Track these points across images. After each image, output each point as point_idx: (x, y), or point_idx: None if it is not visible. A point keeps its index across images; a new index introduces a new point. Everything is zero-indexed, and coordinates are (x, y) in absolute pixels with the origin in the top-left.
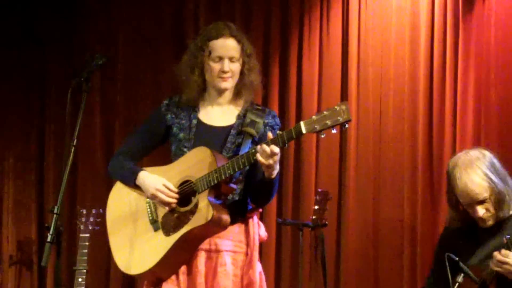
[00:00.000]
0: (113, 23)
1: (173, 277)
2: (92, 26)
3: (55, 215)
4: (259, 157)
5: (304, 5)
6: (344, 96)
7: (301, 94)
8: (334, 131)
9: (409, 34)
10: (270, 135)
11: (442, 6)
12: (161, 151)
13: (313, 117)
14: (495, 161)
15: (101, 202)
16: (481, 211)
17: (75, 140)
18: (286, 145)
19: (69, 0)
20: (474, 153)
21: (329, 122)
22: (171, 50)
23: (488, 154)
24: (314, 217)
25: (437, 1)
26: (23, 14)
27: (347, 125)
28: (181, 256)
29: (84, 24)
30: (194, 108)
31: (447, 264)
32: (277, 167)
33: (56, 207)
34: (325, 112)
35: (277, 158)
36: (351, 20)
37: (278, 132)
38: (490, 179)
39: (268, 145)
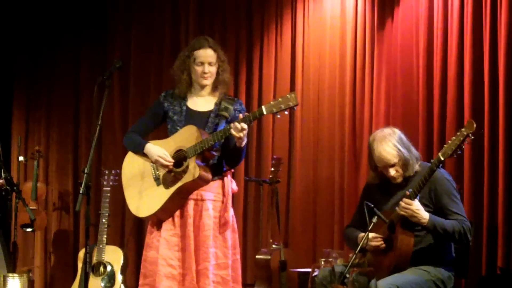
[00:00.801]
0: (128, 36)
1: (170, 219)
2: (113, 38)
3: (85, 174)
4: (232, 131)
5: (263, 25)
6: (292, 89)
7: (261, 87)
8: (286, 112)
9: (339, 45)
10: (240, 116)
11: (362, 25)
12: (160, 130)
13: (271, 102)
14: (402, 136)
15: (119, 165)
16: (392, 171)
17: (100, 120)
18: (251, 123)
19: (100, 20)
20: (387, 130)
21: (282, 106)
22: (169, 55)
23: (397, 131)
24: (271, 176)
25: (359, 21)
26: (71, 30)
27: (295, 108)
28: (176, 203)
29: (108, 37)
30: (184, 98)
31: (365, 209)
32: (245, 139)
33: (86, 168)
34: (279, 99)
35: (245, 132)
36: (297, 36)
37: (245, 113)
38: (398, 149)
39: (239, 122)
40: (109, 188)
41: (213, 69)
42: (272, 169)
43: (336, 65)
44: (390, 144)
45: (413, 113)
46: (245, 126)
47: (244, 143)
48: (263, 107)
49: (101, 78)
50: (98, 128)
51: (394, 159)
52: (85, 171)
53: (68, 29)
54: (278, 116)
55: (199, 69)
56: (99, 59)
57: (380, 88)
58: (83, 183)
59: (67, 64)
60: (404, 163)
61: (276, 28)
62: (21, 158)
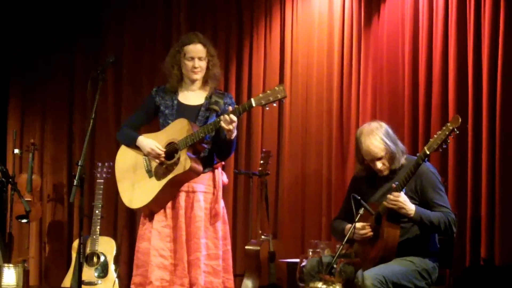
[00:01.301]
0: (122, 32)
1: (162, 210)
2: (107, 34)
3: (79, 167)
4: (222, 124)
5: (253, 21)
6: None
7: (251, 82)
8: (274, 104)
9: (327, 41)
10: (230, 108)
11: (349, 22)
12: (152, 124)
13: (260, 95)
14: (389, 129)
15: (112, 158)
16: (379, 165)
17: (94, 114)
18: (241, 115)
19: (94, 17)
20: (374, 124)
21: (271, 98)
22: (161, 50)
23: (384, 125)
24: (260, 168)
25: (346, 18)
26: (66, 27)
27: (283, 100)
28: (168, 195)
29: (102, 33)
30: (175, 92)
31: (352, 201)
32: (235, 132)
33: (80, 161)
34: (268, 91)
35: (235, 124)
36: (286, 32)
37: (235, 106)
38: (385, 142)
39: (228, 115)
40: (102, 180)
41: (203, 64)
42: (262, 162)
43: (324, 60)
44: (377, 137)
45: (399, 108)
46: (234, 118)
47: (234, 135)
48: (252, 99)
49: (95, 72)
50: (92, 121)
51: (381, 153)
52: (79, 164)
53: (63, 25)
54: (267, 108)
55: (189, 63)
56: (93, 55)
57: (366, 83)
58: (77, 175)
59: (62, 59)
60: (391, 157)
61: (266, 24)
62: (16, 151)
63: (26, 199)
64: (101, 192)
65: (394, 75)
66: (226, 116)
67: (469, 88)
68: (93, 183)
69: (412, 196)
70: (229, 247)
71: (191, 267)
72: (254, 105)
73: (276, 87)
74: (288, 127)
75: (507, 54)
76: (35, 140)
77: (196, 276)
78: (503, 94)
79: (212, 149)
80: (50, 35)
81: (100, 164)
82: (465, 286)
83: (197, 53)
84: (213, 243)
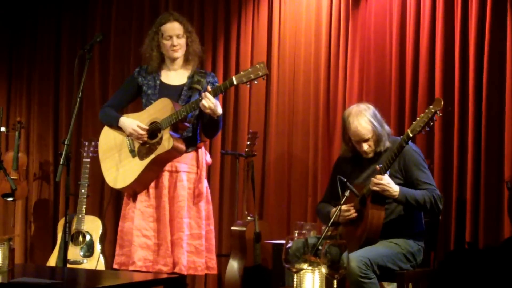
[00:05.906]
0: (109, 10)
1: (145, 190)
2: (95, 12)
3: (66, 145)
4: (203, 102)
5: (241, 3)
6: (268, 66)
7: (239, 62)
8: (256, 82)
9: (315, 21)
10: (209, 88)
11: (337, 2)
12: (136, 103)
13: (241, 72)
14: (376, 112)
15: (98, 136)
16: (365, 146)
17: (80, 93)
18: (223, 93)
19: None
20: (363, 106)
21: (252, 76)
22: (149, 29)
23: (371, 107)
24: (247, 149)
25: (334, 1)
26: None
27: (264, 78)
28: (151, 174)
29: (89, 8)
30: (157, 73)
31: (338, 183)
32: (220, 110)
33: (66, 140)
34: (249, 69)
35: (213, 102)
36: (274, 12)
37: (217, 84)
38: (373, 124)
39: (210, 92)
40: (88, 159)
41: (182, 41)
42: (248, 143)
43: (312, 40)
44: (365, 119)
45: (386, 89)
46: (209, 95)
47: (218, 113)
48: (233, 77)
49: (82, 51)
50: (78, 100)
51: (369, 134)
52: (66, 142)
53: (49, 2)
54: (248, 85)
55: (168, 43)
56: (79, 33)
57: (353, 64)
58: (63, 154)
59: (48, 37)
60: (377, 139)
61: (254, 3)
62: (2, 129)
63: (12, 177)
64: (87, 171)
65: (381, 56)
66: (206, 93)
67: (455, 69)
68: (79, 161)
69: (397, 175)
70: (212, 227)
71: (174, 247)
72: (235, 82)
73: (257, 65)
74: (275, 107)
75: (493, 34)
76: (21, 118)
77: (178, 256)
78: (489, 75)
79: (195, 128)
80: (35, 12)
81: (86, 143)
82: (449, 269)
83: (174, 31)
84: (196, 223)
